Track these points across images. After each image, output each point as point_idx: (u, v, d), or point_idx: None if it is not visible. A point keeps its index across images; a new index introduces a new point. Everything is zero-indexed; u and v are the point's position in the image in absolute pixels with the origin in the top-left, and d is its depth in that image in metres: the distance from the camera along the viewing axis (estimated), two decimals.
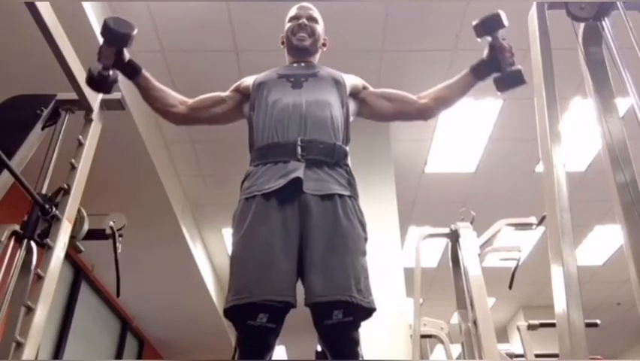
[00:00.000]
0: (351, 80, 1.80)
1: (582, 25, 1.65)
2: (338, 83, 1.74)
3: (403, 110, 1.80)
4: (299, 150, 1.55)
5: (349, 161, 1.64)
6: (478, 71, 1.72)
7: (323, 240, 1.44)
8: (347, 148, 1.65)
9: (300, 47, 1.81)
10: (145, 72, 1.73)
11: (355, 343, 1.45)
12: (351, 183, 1.59)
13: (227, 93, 1.84)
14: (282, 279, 1.39)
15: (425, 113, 1.79)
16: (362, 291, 1.41)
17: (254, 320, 1.36)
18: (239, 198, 1.59)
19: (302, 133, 1.58)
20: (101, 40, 1.66)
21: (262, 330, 1.38)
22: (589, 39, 1.64)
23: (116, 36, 1.62)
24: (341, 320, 1.37)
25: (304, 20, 1.82)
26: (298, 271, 1.44)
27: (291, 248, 1.44)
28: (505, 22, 1.65)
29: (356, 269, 1.43)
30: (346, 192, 1.55)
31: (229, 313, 1.40)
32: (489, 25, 1.67)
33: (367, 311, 1.42)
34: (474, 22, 1.67)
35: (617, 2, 1.56)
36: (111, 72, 1.68)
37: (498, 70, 1.68)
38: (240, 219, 1.51)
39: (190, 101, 1.81)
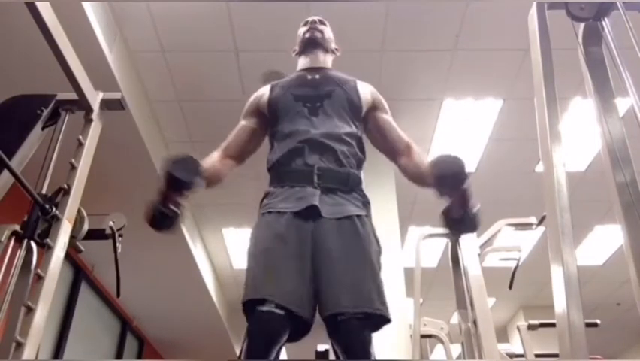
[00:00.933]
0: (366, 95, 1.80)
1: (582, 25, 1.65)
2: (353, 106, 1.75)
3: (386, 152, 1.81)
4: (315, 178, 1.59)
5: (363, 185, 1.67)
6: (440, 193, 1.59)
7: (343, 253, 1.48)
8: (361, 173, 1.69)
9: (312, 37, 1.85)
10: (201, 170, 1.54)
11: (367, 342, 1.45)
12: (365, 205, 1.64)
13: (252, 121, 1.80)
14: (297, 294, 1.43)
15: (401, 170, 1.78)
16: (384, 304, 1.45)
17: (262, 305, 1.39)
18: (257, 213, 1.63)
19: (318, 162, 1.62)
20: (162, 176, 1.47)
21: (270, 316, 1.39)
22: (589, 39, 1.64)
23: (181, 184, 1.47)
24: (355, 315, 1.39)
25: (314, 18, 1.91)
26: (314, 284, 1.46)
27: (306, 264, 1.47)
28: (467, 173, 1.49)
29: (377, 282, 1.48)
30: (363, 213, 1.60)
31: (246, 306, 1.43)
32: (452, 182, 1.49)
33: (385, 321, 1.45)
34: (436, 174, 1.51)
35: (617, 2, 1.56)
36: (172, 207, 1.51)
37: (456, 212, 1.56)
38: (257, 235, 1.56)
39: (230, 150, 1.77)
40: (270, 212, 1.57)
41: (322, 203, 1.55)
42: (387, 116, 1.82)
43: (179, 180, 1.46)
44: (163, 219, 1.52)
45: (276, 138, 1.73)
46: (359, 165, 1.71)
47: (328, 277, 1.45)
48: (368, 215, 1.63)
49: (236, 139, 1.80)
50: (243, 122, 1.82)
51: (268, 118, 1.78)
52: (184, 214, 1.55)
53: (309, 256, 1.48)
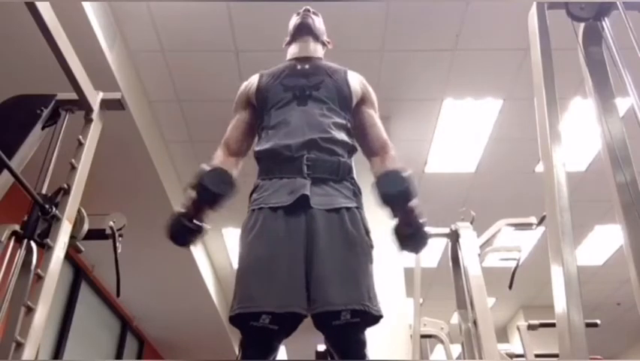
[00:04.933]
0: (356, 87, 1.78)
1: (582, 25, 1.65)
2: (343, 97, 1.73)
3: (362, 149, 1.78)
4: (305, 168, 1.57)
5: (354, 172, 1.66)
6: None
7: (332, 249, 1.46)
8: (352, 162, 1.67)
9: (304, 23, 1.83)
10: (235, 182, 1.62)
11: (362, 344, 1.47)
12: (356, 195, 1.62)
13: (246, 114, 1.80)
14: (288, 290, 1.41)
15: (371, 170, 1.75)
16: (372, 299, 1.44)
17: (256, 321, 1.38)
18: (247, 209, 1.62)
19: (307, 152, 1.60)
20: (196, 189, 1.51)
21: (264, 331, 1.39)
22: (589, 39, 1.64)
23: (214, 196, 1.53)
24: (349, 321, 1.39)
25: (307, 7, 1.89)
26: (306, 281, 1.45)
27: (298, 259, 1.45)
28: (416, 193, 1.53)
29: (366, 278, 1.47)
30: (352, 204, 1.58)
31: (234, 320, 1.43)
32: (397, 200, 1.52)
33: (376, 318, 1.45)
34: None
35: (617, 2, 1.56)
36: (197, 221, 1.56)
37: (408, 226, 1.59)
38: (247, 230, 1.54)
39: (231, 147, 1.76)
40: (260, 208, 1.55)
41: (312, 194, 1.52)
42: (371, 112, 1.80)
43: (212, 193, 1.49)
44: (186, 233, 1.56)
45: (263, 128, 1.70)
46: (349, 153, 1.68)
47: (317, 273, 1.43)
48: (359, 206, 1.60)
49: (236, 134, 1.78)
50: (237, 116, 1.81)
51: (257, 108, 1.75)
52: (207, 229, 1.55)
53: (303, 249, 1.46)
